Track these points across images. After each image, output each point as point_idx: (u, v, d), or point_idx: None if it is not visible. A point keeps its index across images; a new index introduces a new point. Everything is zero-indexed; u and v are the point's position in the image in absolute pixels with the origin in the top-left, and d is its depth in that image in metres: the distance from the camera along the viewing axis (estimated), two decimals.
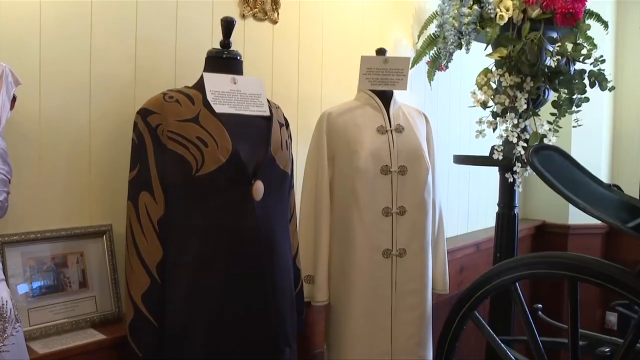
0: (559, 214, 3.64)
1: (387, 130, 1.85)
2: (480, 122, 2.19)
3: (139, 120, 1.34)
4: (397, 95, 1.95)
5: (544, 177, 1.70)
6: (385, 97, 1.92)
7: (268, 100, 1.53)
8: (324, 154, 1.86)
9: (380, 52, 1.94)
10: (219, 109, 1.36)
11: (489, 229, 3.38)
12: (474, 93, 2.21)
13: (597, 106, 3.55)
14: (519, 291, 1.80)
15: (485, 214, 3.43)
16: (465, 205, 3.24)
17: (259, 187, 1.33)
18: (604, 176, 3.70)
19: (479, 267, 3.08)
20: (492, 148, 2.33)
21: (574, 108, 2.19)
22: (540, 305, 2.06)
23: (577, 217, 3.57)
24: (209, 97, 1.36)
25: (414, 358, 1.85)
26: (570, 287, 1.63)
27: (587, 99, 2.15)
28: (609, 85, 2.14)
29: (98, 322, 1.49)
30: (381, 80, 1.88)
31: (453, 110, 3.08)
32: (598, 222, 1.64)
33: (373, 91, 1.90)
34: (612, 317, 3.64)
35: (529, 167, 2.18)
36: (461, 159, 2.43)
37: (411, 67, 2.66)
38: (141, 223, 1.32)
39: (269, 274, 1.36)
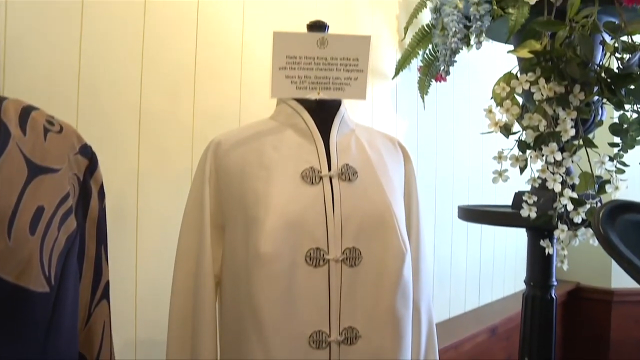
0: (598, 276, 2.79)
1: (321, 177, 0.96)
2: (500, 157, 1.34)
3: None
4: (349, 108, 1.08)
5: (632, 269, 0.87)
6: (324, 113, 1.02)
7: None
8: (206, 221, 0.98)
9: (316, 26, 1.03)
10: None
11: (504, 301, 2.53)
12: (490, 112, 1.36)
13: None
14: None
15: (502, 280, 2.57)
16: (476, 274, 2.37)
17: None
18: None
19: (495, 356, 2.22)
20: (517, 196, 1.50)
21: None
22: None
23: (622, 279, 2.75)
24: None
25: None
26: None
27: None
28: None
29: None
30: (315, 81, 0.97)
31: (459, 138, 2.24)
32: None
33: (301, 102, 1.01)
34: None
35: (580, 234, 1.33)
36: (470, 215, 1.56)
37: (395, 75, 1.87)
38: None
39: None
